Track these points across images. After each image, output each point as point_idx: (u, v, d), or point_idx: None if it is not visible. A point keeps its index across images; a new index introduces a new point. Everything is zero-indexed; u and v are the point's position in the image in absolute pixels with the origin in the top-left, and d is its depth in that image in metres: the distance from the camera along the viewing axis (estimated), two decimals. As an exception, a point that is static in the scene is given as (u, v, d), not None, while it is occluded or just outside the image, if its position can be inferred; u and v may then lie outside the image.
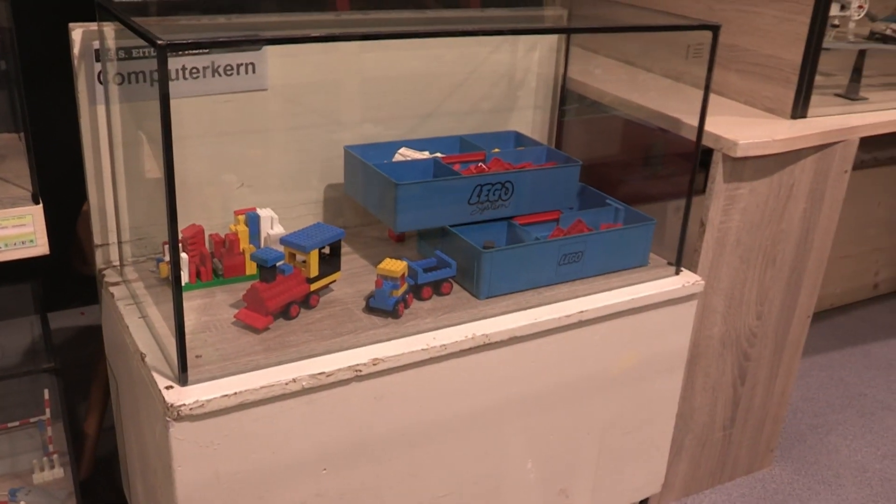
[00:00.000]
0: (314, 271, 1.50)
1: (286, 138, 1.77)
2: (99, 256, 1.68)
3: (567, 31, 1.95)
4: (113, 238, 1.67)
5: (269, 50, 1.68)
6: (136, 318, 1.50)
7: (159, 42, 1.13)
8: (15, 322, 1.95)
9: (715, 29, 1.59)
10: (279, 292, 1.44)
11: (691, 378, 1.96)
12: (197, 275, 1.58)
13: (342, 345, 1.43)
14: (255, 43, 1.51)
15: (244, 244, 1.61)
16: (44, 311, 1.80)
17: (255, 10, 1.70)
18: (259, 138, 1.74)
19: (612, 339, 1.69)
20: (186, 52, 1.55)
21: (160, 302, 1.54)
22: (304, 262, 1.49)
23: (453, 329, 1.51)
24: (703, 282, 1.75)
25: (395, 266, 1.50)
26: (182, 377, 1.31)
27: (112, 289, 1.60)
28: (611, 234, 1.69)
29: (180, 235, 1.60)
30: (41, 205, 1.48)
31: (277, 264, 1.46)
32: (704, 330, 1.92)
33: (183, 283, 1.57)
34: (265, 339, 1.43)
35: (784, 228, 1.91)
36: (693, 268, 1.82)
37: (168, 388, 1.31)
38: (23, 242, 1.49)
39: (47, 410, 1.87)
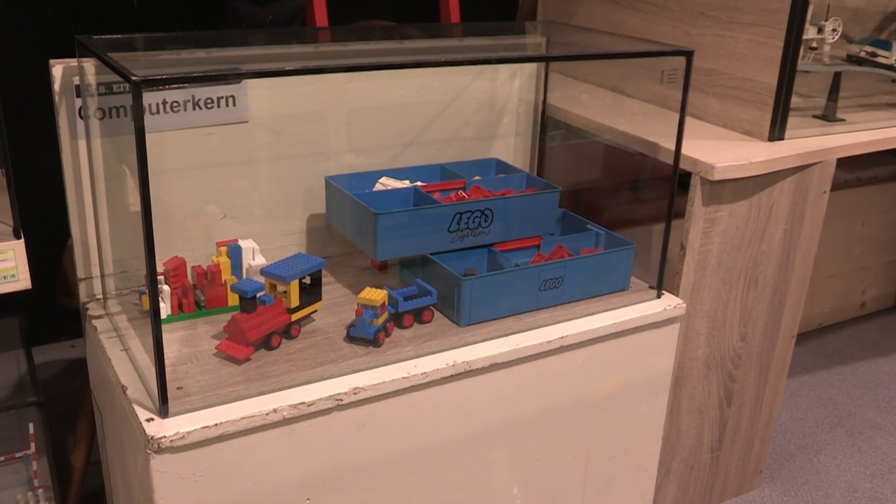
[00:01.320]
0: (295, 301, 1.51)
1: (268, 169, 1.78)
2: (82, 290, 1.69)
3: (544, 59, 1.97)
4: (96, 271, 1.68)
5: (250, 82, 1.70)
6: (119, 351, 1.51)
7: (133, 78, 1.14)
8: (0, 356, 1.95)
9: (688, 55, 1.61)
10: (260, 323, 1.45)
11: (677, 400, 1.97)
12: (179, 306, 1.59)
13: (323, 374, 1.43)
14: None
15: (226, 275, 1.62)
16: (28, 345, 1.80)
17: (235, 43, 1.72)
18: (241, 170, 1.76)
19: (595, 364, 1.70)
20: (163, 87, 1.56)
21: (142, 334, 1.55)
22: (285, 292, 1.50)
23: (434, 357, 1.51)
24: (684, 305, 1.76)
25: (375, 295, 1.51)
26: (163, 409, 1.32)
27: (95, 322, 1.60)
28: (591, 259, 1.70)
29: (162, 268, 1.61)
30: (22, 239, 1.49)
31: (258, 295, 1.47)
32: (688, 352, 1.93)
33: (165, 315, 1.58)
34: (246, 369, 1.43)
35: (765, 250, 1.93)
36: (675, 291, 1.83)
37: (149, 420, 1.31)
38: (4, 277, 1.50)
39: (32, 445, 1.87)
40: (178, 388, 1.37)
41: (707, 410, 2.04)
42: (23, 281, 1.52)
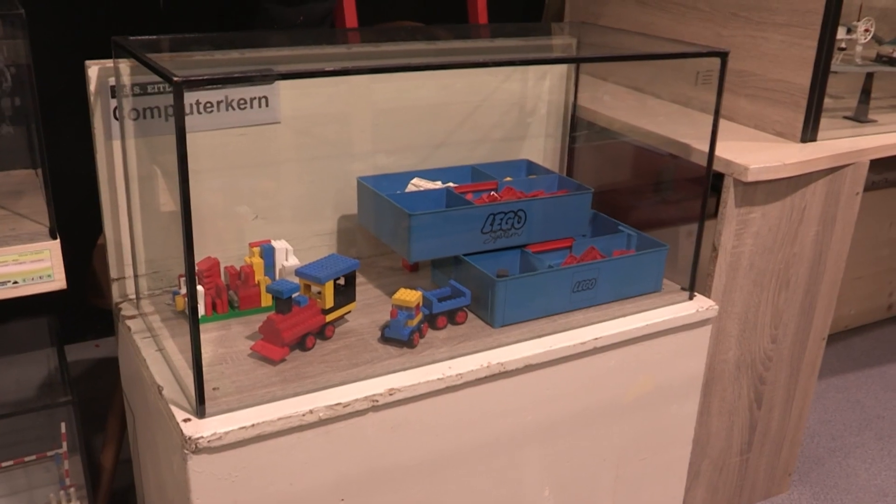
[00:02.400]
0: (329, 302, 1.51)
1: (299, 170, 1.79)
2: (115, 290, 1.69)
3: (577, 61, 1.97)
4: (129, 272, 1.68)
5: (281, 83, 1.70)
6: (153, 351, 1.51)
7: (175, 79, 1.15)
8: (32, 355, 1.97)
9: (723, 55, 1.60)
10: (295, 324, 1.45)
11: (707, 403, 1.96)
12: (213, 307, 1.59)
13: (358, 375, 1.43)
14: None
15: (259, 276, 1.62)
16: (60, 344, 1.81)
17: (266, 44, 1.72)
18: (273, 170, 1.76)
19: (627, 366, 1.69)
20: (201, 88, 1.56)
21: (176, 335, 1.55)
22: (320, 293, 1.50)
23: (469, 358, 1.51)
24: (716, 306, 1.75)
25: (409, 296, 1.50)
26: (200, 410, 1.32)
27: (129, 322, 1.61)
28: (624, 261, 1.70)
29: (196, 268, 1.62)
30: (58, 240, 1.50)
31: (293, 296, 1.47)
32: (719, 354, 1.92)
33: (199, 316, 1.58)
34: (281, 370, 1.44)
35: (797, 252, 1.91)
36: (706, 292, 1.82)
37: (186, 420, 1.32)
38: (40, 277, 1.50)
39: (64, 444, 1.88)
40: (214, 389, 1.38)
41: (737, 413, 2.03)
42: (58, 281, 1.52)
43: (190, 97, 1.62)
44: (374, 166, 1.85)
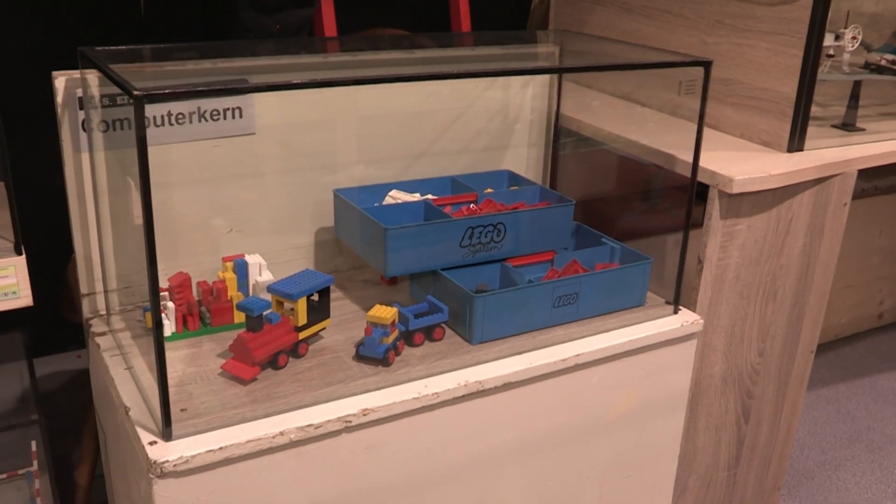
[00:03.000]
0: (302, 319, 1.47)
1: (276, 181, 1.75)
2: (86, 305, 1.65)
3: (558, 71, 1.93)
4: (100, 287, 1.64)
5: (256, 94, 1.66)
6: (122, 370, 1.47)
7: (135, 93, 1.11)
8: (3, 369, 1.92)
9: (706, 65, 1.57)
10: (266, 342, 1.41)
11: (693, 418, 1.92)
12: (184, 323, 1.55)
13: (331, 395, 1.39)
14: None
15: (232, 291, 1.58)
16: (30, 360, 1.77)
17: (241, 54, 1.68)
18: (249, 182, 1.72)
19: (610, 382, 1.65)
20: (162, 101, 1.52)
21: (146, 353, 1.51)
22: (292, 310, 1.46)
23: (446, 376, 1.47)
24: (701, 320, 1.71)
25: (384, 312, 1.47)
26: (166, 432, 1.28)
27: (98, 339, 1.57)
28: (606, 275, 1.66)
29: (167, 284, 1.58)
30: (24, 256, 1.46)
31: (264, 313, 1.43)
32: (705, 369, 1.88)
33: (169, 333, 1.54)
34: (252, 390, 1.39)
35: (784, 263, 1.88)
36: (692, 306, 1.79)
37: (151, 443, 1.28)
38: (5, 294, 1.46)
39: (35, 462, 1.84)
40: (181, 410, 1.34)
41: (724, 427, 1.99)
42: (24, 298, 1.48)
43: (160, 108, 1.58)
44: (352, 178, 1.81)
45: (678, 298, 1.73)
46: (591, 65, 1.93)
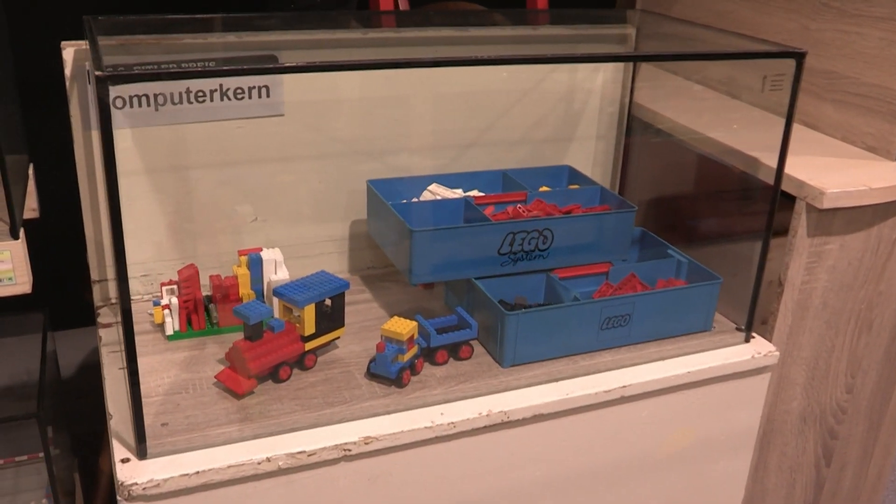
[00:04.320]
0: (310, 328, 1.31)
1: (307, 168, 1.60)
2: (96, 293, 1.55)
3: (615, 59, 1.70)
4: (112, 273, 1.53)
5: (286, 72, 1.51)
6: (117, 370, 1.35)
7: (99, 73, 0.96)
8: (22, 352, 1.83)
9: (799, 56, 1.33)
10: (264, 353, 1.26)
11: (764, 457, 1.69)
12: (188, 321, 1.42)
13: (332, 417, 1.24)
14: (224, 74, 1.33)
15: (244, 290, 1.44)
16: (44, 345, 1.68)
17: (272, 27, 1.53)
18: (276, 168, 1.57)
19: (663, 417, 1.45)
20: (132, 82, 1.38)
21: (148, 352, 1.39)
22: (299, 317, 1.31)
23: (466, 402, 1.30)
24: (777, 352, 1.48)
25: (401, 327, 1.30)
26: (140, 449, 1.15)
27: (101, 331, 1.46)
28: (666, 295, 1.45)
29: (176, 277, 1.45)
30: (21, 240, 1.35)
31: (267, 320, 1.28)
32: (781, 404, 1.65)
33: (171, 332, 1.41)
34: (245, 405, 1.25)
35: (883, 290, 1.62)
36: (767, 334, 1.56)
37: (124, 460, 1.15)
38: (0, 280, 1.36)
39: (51, 448, 1.76)
40: (163, 425, 1.20)
41: (800, 470, 1.75)
42: (21, 284, 1.38)
43: (178, 85, 1.44)
44: (392, 167, 1.64)
45: (751, 324, 1.50)
46: (658, 53, 1.69)
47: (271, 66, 1.07)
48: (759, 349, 1.48)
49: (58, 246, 1.80)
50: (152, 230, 1.53)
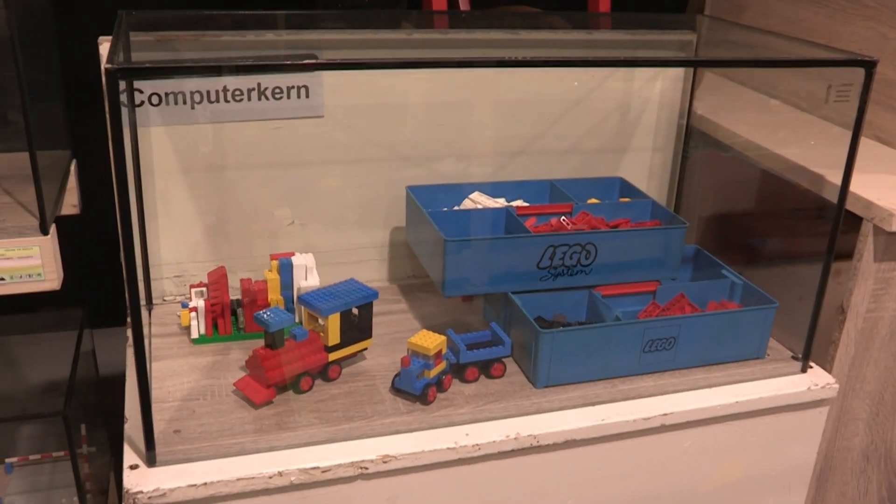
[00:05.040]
0: (334, 339, 1.26)
1: (346, 172, 1.55)
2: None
3: (678, 64, 1.61)
4: (142, 273, 1.50)
5: (327, 72, 1.46)
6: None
7: (107, 66, 0.93)
8: (57, 351, 1.82)
9: (868, 66, 1.22)
10: (284, 362, 1.22)
11: (821, 495, 1.58)
12: (214, 326, 1.39)
13: (350, 433, 1.18)
14: (235, 71, 1.28)
15: (273, 295, 1.39)
16: (79, 342, 1.66)
17: (313, 25, 1.49)
18: (315, 171, 1.53)
19: (708, 448, 1.35)
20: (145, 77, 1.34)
21: (172, 355, 1.36)
22: (324, 326, 1.26)
23: (494, 424, 1.23)
24: (837, 384, 1.37)
25: (428, 341, 1.24)
26: (149, 456, 1.11)
27: (129, 331, 1.43)
28: (714, 318, 1.35)
29: (206, 279, 1.42)
30: (50, 235, 1.33)
31: (288, 328, 1.23)
32: (841, 440, 1.53)
33: (197, 335, 1.38)
34: (262, 416, 1.20)
35: (958, 322, 1.49)
36: (827, 364, 1.45)
37: (133, 466, 1.11)
38: (29, 276, 1.34)
39: (84, 446, 1.75)
40: (175, 432, 1.17)
41: (862, 511, 1.63)
42: (49, 281, 1.36)
43: (214, 83, 1.41)
44: (436, 173, 1.59)
45: (809, 353, 1.40)
46: (712, 58, 1.60)
47: (291, 62, 1.02)
48: (816, 380, 1.38)
49: (101, 242, 1.79)
50: (187, 230, 1.51)
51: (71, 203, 1.59)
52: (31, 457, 1.83)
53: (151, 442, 1.11)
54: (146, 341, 1.39)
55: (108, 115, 0.96)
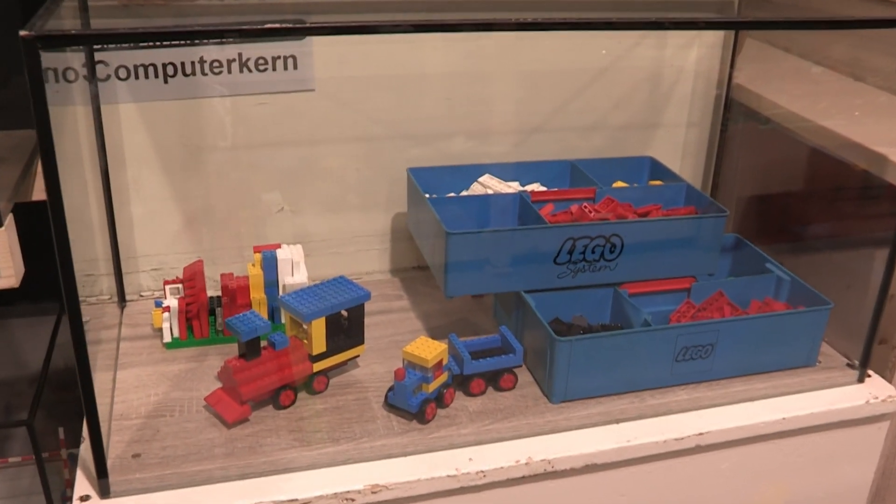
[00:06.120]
0: (319, 347, 1.10)
1: (341, 152, 1.39)
2: (104, 286, 1.37)
3: (718, 26, 1.42)
4: (126, 267, 1.36)
5: (317, 40, 1.29)
6: (106, 376, 1.17)
7: (24, 33, 0.76)
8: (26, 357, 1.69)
9: (948, 29, 1.03)
10: (259, 375, 1.06)
11: (877, 515, 1.41)
12: (189, 328, 1.23)
13: (335, 458, 1.03)
14: (176, 37, 1.11)
15: (256, 293, 1.23)
16: (51, 347, 1.52)
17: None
18: (306, 151, 1.37)
19: (749, 470, 1.18)
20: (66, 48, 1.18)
21: (142, 362, 1.20)
22: (308, 331, 1.10)
23: (502, 446, 1.07)
24: (899, 397, 1.20)
25: (426, 351, 1.07)
26: (101, 485, 0.97)
27: (97, 332, 1.28)
28: (758, 322, 1.17)
29: (179, 276, 1.27)
30: (6, 227, 1.18)
31: (265, 335, 1.07)
32: (900, 456, 1.36)
33: (169, 339, 1.23)
34: (235, 437, 1.05)
35: None
36: (888, 372, 1.27)
37: (83, 498, 0.97)
38: (-20, 272, 1.19)
39: (63, 450, 1.61)
40: (134, 456, 1.02)
41: (922, 532, 1.45)
42: (6, 278, 1.21)
43: (189, 53, 1.25)
44: (443, 153, 1.42)
45: (867, 360, 1.22)
46: (757, 20, 1.40)
47: (275, 25, 0.85)
48: (875, 391, 1.21)
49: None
50: (165, 219, 1.35)
51: (42, 188, 1.43)
52: (11, 459, 1.70)
53: (104, 469, 0.96)
54: (118, 345, 1.24)
55: (30, 92, 0.80)
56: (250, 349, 1.05)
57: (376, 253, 1.47)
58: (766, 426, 1.15)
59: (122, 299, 1.35)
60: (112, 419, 1.08)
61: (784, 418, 1.15)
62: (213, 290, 1.34)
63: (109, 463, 0.99)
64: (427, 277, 1.44)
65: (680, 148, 1.54)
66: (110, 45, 1.22)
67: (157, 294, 1.39)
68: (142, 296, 1.38)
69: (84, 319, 1.27)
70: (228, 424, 1.06)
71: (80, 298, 1.33)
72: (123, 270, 1.35)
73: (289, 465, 1.01)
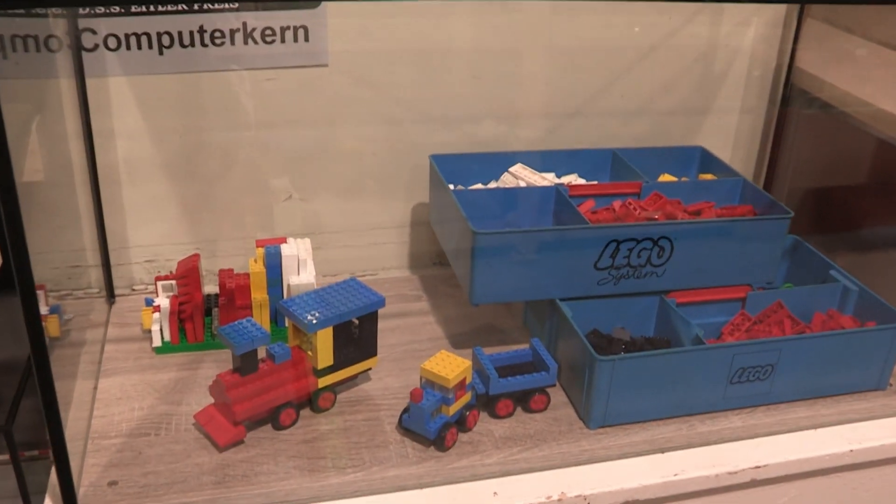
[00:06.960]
0: (325, 360, 0.97)
1: (357, 135, 1.25)
2: (93, 279, 1.25)
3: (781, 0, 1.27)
4: (117, 258, 1.23)
5: (331, 7, 1.15)
6: (87, 383, 1.05)
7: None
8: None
9: None
10: (259, 391, 0.93)
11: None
12: (182, 332, 1.10)
13: (340, 490, 0.90)
14: (153, 1, 0.98)
15: (258, 293, 1.10)
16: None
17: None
18: (318, 133, 1.24)
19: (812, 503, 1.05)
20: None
21: (128, 369, 1.08)
22: (312, 343, 0.97)
23: (531, 478, 0.94)
24: (983, 427, 1.05)
25: (447, 369, 0.94)
26: (72, 520, 0.84)
27: (80, 333, 1.16)
28: (825, 342, 1.03)
29: (173, 270, 1.14)
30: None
31: (263, 347, 0.94)
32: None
33: (159, 343, 1.10)
34: (227, 462, 0.92)
35: None
36: (968, 397, 1.12)
37: (52, 531, 0.84)
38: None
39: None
40: (110, 484, 0.89)
41: None
42: (-21, 269, 1.08)
43: (185, 21, 1.11)
44: (471, 138, 1.28)
45: (946, 385, 1.08)
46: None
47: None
48: (955, 420, 1.06)
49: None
50: (160, 206, 1.22)
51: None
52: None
53: (73, 501, 0.83)
54: (102, 347, 1.12)
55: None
56: (246, 363, 0.92)
57: (393, 247, 1.33)
58: (831, 458, 1.02)
59: (111, 294, 1.22)
60: (89, 437, 0.95)
61: (852, 450, 1.02)
62: (211, 286, 1.22)
63: (81, 492, 0.87)
64: (449, 276, 1.30)
65: (731, 137, 1.40)
66: (98, 11, 1.08)
67: (150, 289, 1.26)
68: (134, 290, 1.26)
69: (66, 317, 1.16)
70: (220, 448, 0.93)
71: (66, 292, 1.23)
72: (113, 262, 1.22)
73: (288, 497, 0.89)
